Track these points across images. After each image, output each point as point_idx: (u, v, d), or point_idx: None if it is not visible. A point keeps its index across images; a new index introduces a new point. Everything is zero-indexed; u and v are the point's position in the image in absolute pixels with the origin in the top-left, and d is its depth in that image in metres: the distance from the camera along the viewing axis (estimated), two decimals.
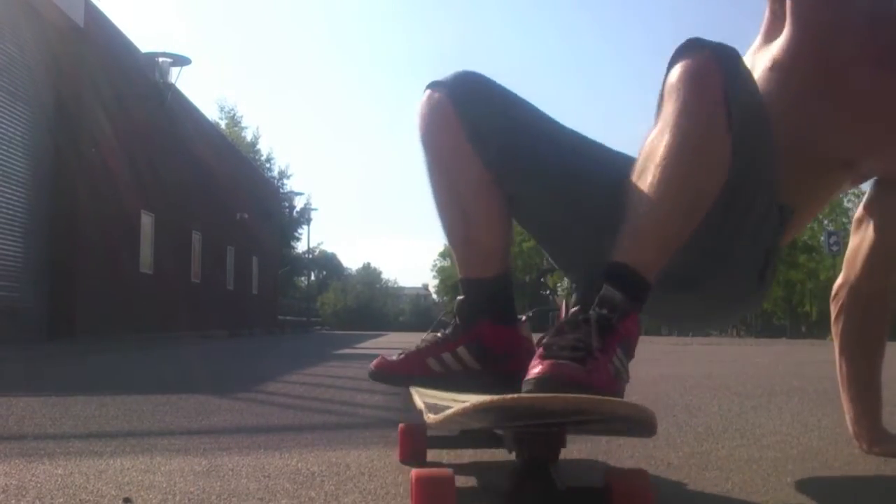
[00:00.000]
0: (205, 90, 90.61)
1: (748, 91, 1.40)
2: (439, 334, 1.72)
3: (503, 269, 1.70)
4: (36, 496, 1.45)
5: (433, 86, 1.67)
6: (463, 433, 1.77)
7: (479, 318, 1.66)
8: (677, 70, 1.34)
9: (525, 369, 1.42)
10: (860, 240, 1.90)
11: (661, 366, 6.32)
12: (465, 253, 1.71)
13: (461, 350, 1.66)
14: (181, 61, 15.00)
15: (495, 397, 1.06)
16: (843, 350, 1.97)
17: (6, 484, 1.56)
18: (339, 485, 1.57)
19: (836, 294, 1.97)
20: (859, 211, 1.93)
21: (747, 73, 1.44)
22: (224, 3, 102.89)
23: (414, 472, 1.17)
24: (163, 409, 2.92)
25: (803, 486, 1.62)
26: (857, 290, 1.91)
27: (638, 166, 1.34)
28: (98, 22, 12.69)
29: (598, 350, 1.19)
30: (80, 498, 1.44)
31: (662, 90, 1.36)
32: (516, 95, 1.68)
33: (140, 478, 1.63)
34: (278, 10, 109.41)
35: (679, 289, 1.44)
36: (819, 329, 44.87)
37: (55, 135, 11.67)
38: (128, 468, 1.73)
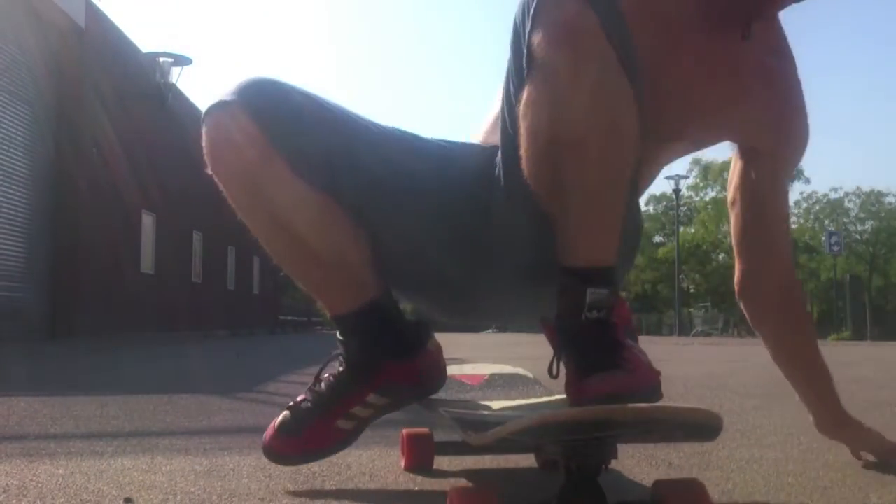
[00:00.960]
0: (206, 90, 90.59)
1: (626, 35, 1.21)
2: (324, 385, 1.49)
3: (382, 288, 1.44)
4: (37, 496, 1.46)
5: (218, 107, 1.38)
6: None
7: (381, 361, 1.44)
8: (547, 27, 1.15)
9: (436, 380, 1.49)
10: (743, 223, 1.72)
11: (661, 366, 6.28)
12: (328, 290, 1.45)
13: (371, 397, 1.46)
14: (182, 61, 15.02)
15: (561, 412, 1.04)
16: (774, 340, 1.80)
17: (7, 484, 1.56)
18: (340, 485, 1.57)
19: (742, 288, 1.76)
20: (730, 193, 1.74)
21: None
22: (224, 3, 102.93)
23: (454, 491, 1.08)
24: (164, 408, 2.92)
25: (804, 486, 1.62)
26: (760, 274, 1.75)
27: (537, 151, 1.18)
28: (99, 22, 12.70)
29: (619, 353, 1.18)
30: (81, 498, 1.45)
31: (527, 52, 1.18)
32: (325, 99, 1.43)
33: (141, 478, 1.63)
34: (278, 11, 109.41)
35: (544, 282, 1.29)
36: (819, 329, 44.81)
37: (56, 135, 11.68)
38: (129, 468, 1.73)
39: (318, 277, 1.46)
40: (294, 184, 1.35)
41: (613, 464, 1.83)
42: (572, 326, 1.20)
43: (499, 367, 1.93)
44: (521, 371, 1.87)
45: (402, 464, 1.73)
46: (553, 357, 1.25)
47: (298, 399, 1.52)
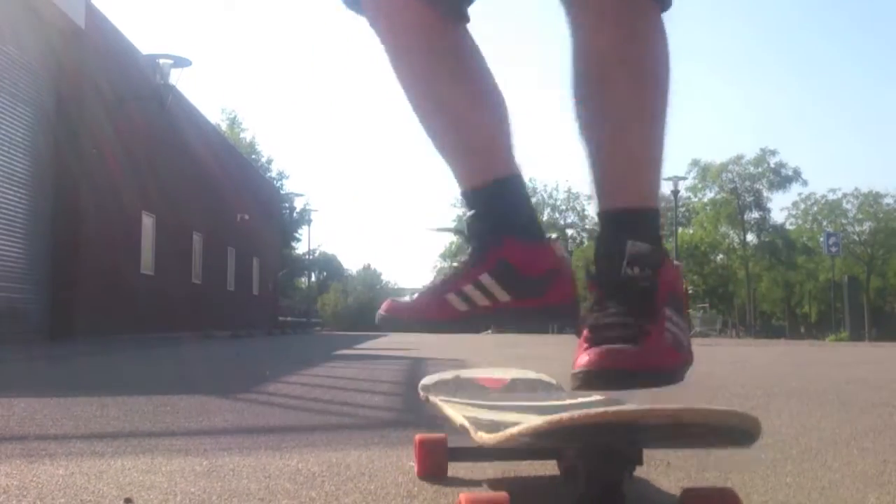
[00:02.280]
0: (205, 92, 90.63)
1: None
2: (455, 263, 1.41)
3: (514, 170, 1.39)
4: (37, 496, 1.46)
5: None
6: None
7: (502, 235, 1.34)
8: None
9: (568, 298, 1.32)
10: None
11: None
12: (475, 156, 1.40)
13: (485, 278, 1.33)
14: (182, 63, 15.00)
15: (573, 415, 0.90)
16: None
17: (7, 484, 1.56)
18: (340, 485, 1.58)
19: None
20: None
21: None
22: (224, 3, 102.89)
23: (465, 497, 0.99)
24: (163, 409, 2.92)
25: (803, 486, 1.62)
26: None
27: (594, 76, 1.19)
28: (99, 23, 12.70)
29: (648, 321, 1.08)
30: (81, 498, 1.45)
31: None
32: None
33: (141, 478, 1.63)
34: (277, 12, 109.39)
35: None
36: (818, 330, 44.81)
37: (56, 136, 11.69)
38: (129, 468, 1.73)
39: (471, 142, 1.40)
40: (467, 73, 1.39)
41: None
42: (610, 283, 1.13)
43: (520, 371, 1.87)
44: (543, 377, 1.83)
45: (416, 470, 1.65)
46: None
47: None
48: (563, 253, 1.35)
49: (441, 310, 1.35)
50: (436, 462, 1.61)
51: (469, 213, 1.40)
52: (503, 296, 1.32)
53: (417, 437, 1.66)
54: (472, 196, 1.39)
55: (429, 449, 1.62)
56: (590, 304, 1.15)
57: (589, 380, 1.04)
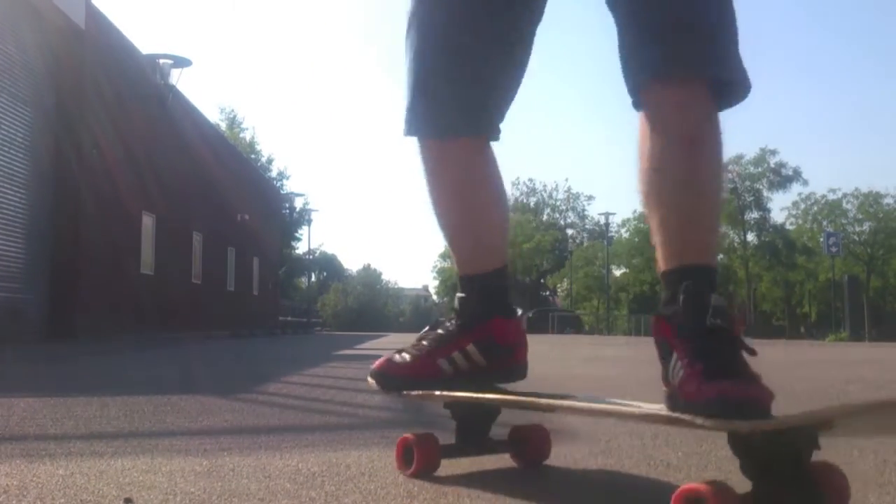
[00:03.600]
0: (205, 91, 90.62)
1: None
2: (440, 331, 1.69)
3: (505, 260, 1.72)
4: (37, 496, 1.46)
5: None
6: (466, 441, 1.71)
7: (493, 314, 1.66)
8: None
9: (524, 360, 1.70)
10: None
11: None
12: (471, 249, 1.71)
13: (471, 348, 1.65)
14: (182, 63, 15.02)
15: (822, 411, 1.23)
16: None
17: (7, 484, 1.56)
18: (340, 485, 1.58)
19: None
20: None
21: None
22: (224, 4, 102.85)
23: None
24: (164, 409, 2.93)
25: None
26: None
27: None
28: (99, 23, 12.70)
29: (744, 361, 1.29)
30: (81, 498, 1.45)
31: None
32: None
33: (141, 478, 1.63)
34: (277, 12, 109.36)
35: None
36: (818, 330, 44.78)
37: (56, 136, 11.69)
38: (129, 468, 1.73)
39: (483, 239, 1.71)
40: (490, 189, 1.72)
41: (611, 464, 1.82)
42: (697, 331, 1.30)
43: None
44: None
45: (411, 470, 1.64)
46: (669, 360, 1.35)
47: (415, 341, 1.73)
48: (524, 325, 1.75)
49: (432, 371, 1.66)
50: (429, 461, 1.64)
51: (462, 295, 1.70)
52: (481, 361, 1.65)
53: (408, 435, 1.66)
54: (470, 280, 1.69)
55: (423, 447, 1.63)
56: (689, 345, 1.32)
57: (726, 408, 1.20)
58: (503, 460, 1.81)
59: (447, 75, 1.63)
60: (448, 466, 1.75)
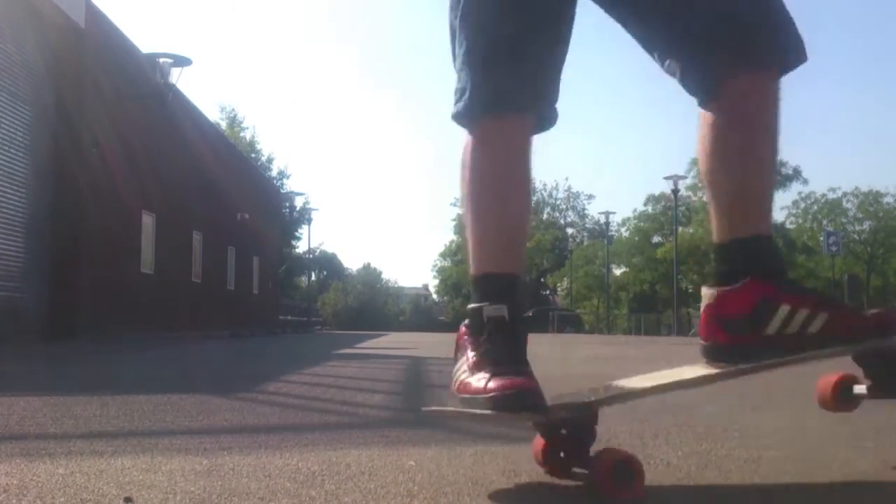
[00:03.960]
0: (205, 91, 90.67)
1: None
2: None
3: (525, 271, 1.77)
4: (37, 496, 1.46)
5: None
6: None
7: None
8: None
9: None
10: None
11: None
12: (506, 250, 1.65)
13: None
14: (182, 62, 15.00)
15: None
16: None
17: (7, 483, 1.56)
18: (340, 484, 1.58)
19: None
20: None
21: None
22: (224, 4, 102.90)
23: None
24: (163, 408, 2.93)
25: (802, 486, 1.62)
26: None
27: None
28: (99, 22, 12.70)
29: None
30: (81, 497, 1.45)
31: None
32: None
33: (141, 477, 1.63)
34: (277, 12, 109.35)
35: None
36: None
37: (56, 135, 11.69)
38: (129, 468, 1.73)
39: (506, 241, 1.66)
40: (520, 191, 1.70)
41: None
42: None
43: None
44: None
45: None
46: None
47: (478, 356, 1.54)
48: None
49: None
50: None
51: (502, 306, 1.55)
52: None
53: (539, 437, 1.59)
54: (487, 280, 1.60)
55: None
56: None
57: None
58: (502, 460, 1.81)
59: (511, 52, 1.62)
60: (449, 466, 1.75)
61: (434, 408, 1.79)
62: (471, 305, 1.60)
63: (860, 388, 1.67)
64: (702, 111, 1.71)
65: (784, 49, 1.64)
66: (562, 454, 1.54)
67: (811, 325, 1.56)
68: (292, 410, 3.17)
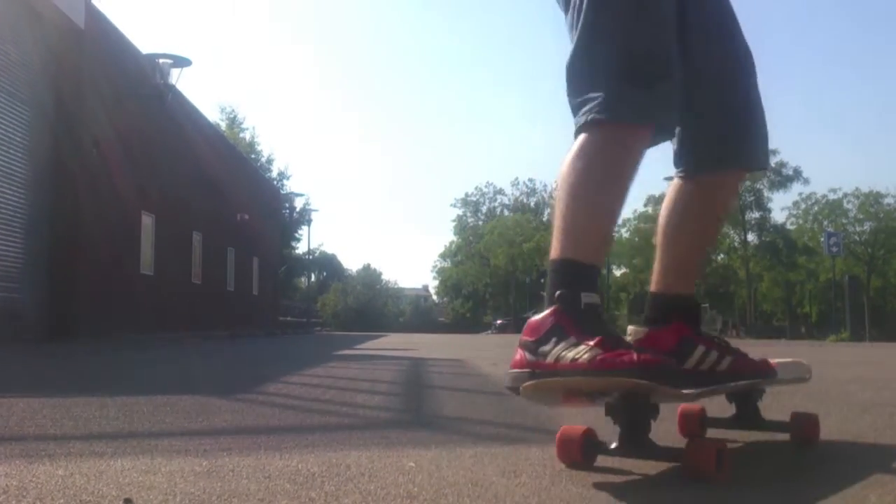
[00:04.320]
0: (205, 91, 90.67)
1: None
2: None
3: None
4: (36, 497, 1.46)
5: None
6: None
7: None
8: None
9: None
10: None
11: None
12: (601, 241, 1.82)
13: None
14: (181, 62, 15.01)
15: None
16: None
17: (7, 485, 1.56)
18: (340, 485, 1.57)
19: None
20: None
21: None
22: (224, 4, 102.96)
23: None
24: (163, 409, 2.92)
25: (803, 485, 1.62)
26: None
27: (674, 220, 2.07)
28: (98, 23, 12.70)
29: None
30: (80, 499, 1.45)
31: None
32: None
33: (140, 478, 1.63)
34: (277, 12, 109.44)
35: None
36: (818, 330, 44.81)
37: (55, 135, 11.68)
38: (128, 469, 1.73)
39: (606, 237, 1.85)
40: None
41: (610, 462, 1.82)
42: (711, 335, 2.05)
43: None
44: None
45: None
46: None
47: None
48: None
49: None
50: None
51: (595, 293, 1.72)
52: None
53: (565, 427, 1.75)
54: (583, 268, 1.73)
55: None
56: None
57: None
58: (502, 461, 1.81)
59: (656, 63, 1.78)
60: (449, 467, 1.75)
61: (533, 381, 1.63)
62: (561, 291, 1.68)
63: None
64: (677, 178, 2.07)
65: (765, 157, 2.06)
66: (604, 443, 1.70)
67: (720, 365, 1.93)
68: (292, 411, 3.16)
